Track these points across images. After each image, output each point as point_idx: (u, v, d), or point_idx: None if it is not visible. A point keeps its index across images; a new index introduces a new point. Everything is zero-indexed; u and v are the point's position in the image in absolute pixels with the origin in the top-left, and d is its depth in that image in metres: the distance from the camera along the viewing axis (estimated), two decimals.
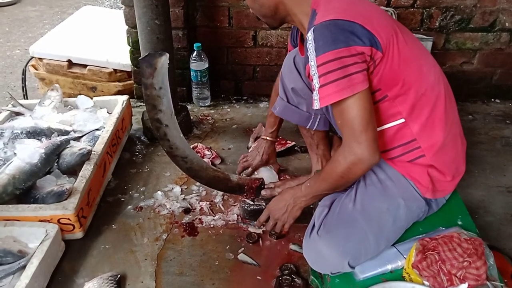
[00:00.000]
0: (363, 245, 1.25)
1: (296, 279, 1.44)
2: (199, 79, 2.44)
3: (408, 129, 1.24)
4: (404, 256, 1.24)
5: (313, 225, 1.32)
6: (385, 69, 1.15)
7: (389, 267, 1.25)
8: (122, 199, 1.85)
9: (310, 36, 1.11)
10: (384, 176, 1.30)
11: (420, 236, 1.28)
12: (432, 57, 1.32)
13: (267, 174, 1.83)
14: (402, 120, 1.23)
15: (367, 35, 1.09)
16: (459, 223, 1.35)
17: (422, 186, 1.27)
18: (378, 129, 1.26)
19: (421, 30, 2.38)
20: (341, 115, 1.15)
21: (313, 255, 1.31)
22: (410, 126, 1.23)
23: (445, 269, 1.13)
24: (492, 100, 2.60)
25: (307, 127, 1.59)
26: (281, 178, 1.91)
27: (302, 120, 1.60)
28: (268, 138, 1.82)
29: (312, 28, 1.11)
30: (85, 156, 1.73)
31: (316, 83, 1.12)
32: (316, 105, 1.14)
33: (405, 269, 1.21)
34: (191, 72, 2.42)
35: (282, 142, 2.16)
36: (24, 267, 1.38)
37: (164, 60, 1.42)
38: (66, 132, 1.92)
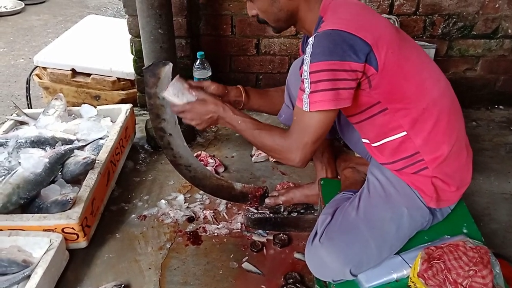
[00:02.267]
0: (365, 253, 1.24)
1: None
2: None
3: (410, 142, 1.24)
4: (410, 264, 1.23)
5: (316, 233, 1.32)
6: (383, 84, 1.16)
7: (395, 276, 1.24)
8: (126, 207, 1.85)
9: (311, 41, 1.13)
10: (388, 184, 1.30)
11: (426, 244, 1.28)
12: (438, 69, 1.31)
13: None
14: (404, 133, 1.24)
15: (365, 50, 1.10)
16: (465, 231, 1.35)
17: (426, 195, 1.27)
18: (382, 141, 1.28)
19: (424, 37, 2.39)
20: (301, 118, 1.19)
21: (315, 262, 1.31)
22: (413, 139, 1.23)
23: (451, 278, 1.12)
24: (496, 106, 2.60)
25: None
26: (285, 186, 1.91)
27: None
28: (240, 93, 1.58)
29: (315, 34, 1.14)
30: (89, 165, 1.73)
31: (307, 87, 1.14)
32: (306, 108, 1.15)
33: (410, 278, 1.21)
34: (194, 80, 2.42)
35: None
36: (28, 276, 1.38)
37: (167, 70, 1.43)
38: (70, 141, 1.92)
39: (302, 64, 1.16)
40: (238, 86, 1.58)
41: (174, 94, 1.39)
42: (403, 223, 1.27)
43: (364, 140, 1.38)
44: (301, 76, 1.16)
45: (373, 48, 1.11)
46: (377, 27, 1.15)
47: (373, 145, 1.32)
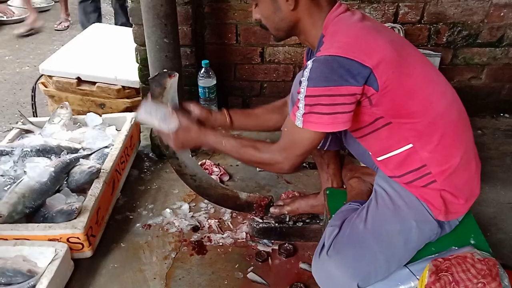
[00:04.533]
0: (373, 267, 1.24)
1: None
2: (207, 96, 2.45)
3: (417, 154, 1.22)
4: (417, 277, 1.22)
5: (323, 245, 1.31)
6: (384, 102, 1.16)
7: None
8: (131, 216, 1.85)
9: (309, 65, 1.13)
10: (397, 197, 1.29)
11: (433, 256, 1.27)
12: (444, 80, 1.29)
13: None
14: (410, 146, 1.22)
15: (363, 73, 1.10)
16: (472, 242, 1.33)
17: (435, 208, 1.25)
18: (387, 155, 1.27)
19: (429, 46, 2.39)
20: (293, 132, 1.20)
21: (322, 275, 1.30)
22: (419, 152, 1.22)
23: None
24: (501, 114, 2.59)
25: (318, 148, 1.58)
26: (290, 195, 1.90)
27: None
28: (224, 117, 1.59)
29: (313, 59, 1.14)
30: (94, 175, 1.74)
31: (301, 107, 1.14)
32: (299, 124, 1.16)
33: None
34: (199, 89, 2.43)
35: None
36: (33, 287, 1.38)
37: (173, 80, 1.43)
38: (76, 150, 1.93)
39: (299, 83, 1.16)
40: (223, 109, 1.60)
41: (147, 112, 1.41)
42: (412, 236, 1.26)
43: (370, 153, 1.37)
44: (298, 93, 1.16)
45: (373, 70, 1.10)
46: (377, 49, 1.13)
47: (378, 159, 1.31)
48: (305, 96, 1.12)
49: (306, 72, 1.13)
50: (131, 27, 2.32)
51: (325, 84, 1.10)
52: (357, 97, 1.12)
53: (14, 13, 4.91)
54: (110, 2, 4.40)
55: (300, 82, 1.14)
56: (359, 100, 1.15)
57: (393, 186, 1.31)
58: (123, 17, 4.04)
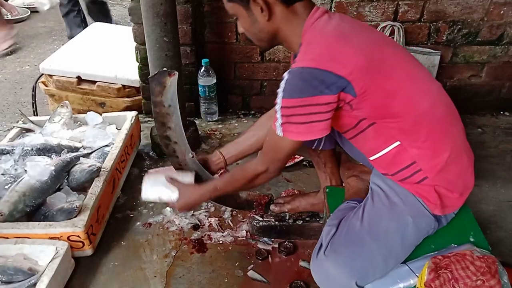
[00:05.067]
0: (370, 265, 1.24)
1: None
2: (207, 94, 2.45)
3: (405, 152, 1.23)
4: (417, 274, 1.22)
5: (321, 245, 1.32)
6: (365, 105, 1.16)
7: (401, 285, 1.23)
8: (131, 215, 1.86)
9: (285, 76, 1.14)
10: (392, 193, 1.30)
11: (432, 253, 1.27)
12: (428, 77, 1.29)
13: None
14: (398, 143, 1.23)
15: (338, 83, 1.10)
16: (471, 240, 1.34)
17: (431, 203, 1.26)
18: (377, 155, 1.28)
19: (428, 44, 2.39)
20: (275, 141, 1.22)
21: (321, 275, 1.31)
22: (408, 149, 1.22)
23: None
24: (501, 113, 2.59)
25: (313, 148, 1.59)
26: (290, 193, 1.91)
27: (309, 141, 1.60)
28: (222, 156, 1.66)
29: (288, 70, 1.15)
30: (95, 173, 1.74)
31: (279, 117, 1.16)
32: (279, 133, 1.18)
33: (417, 287, 1.20)
34: (199, 88, 2.44)
35: None
36: (34, 285, 1.39)
37: (173, 79, 1.43)
38: (76, 149, 1.93)
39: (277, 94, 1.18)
40: (216, 151, 1.68)
41: (147, 189, 1.52)
42: (408, 233, 1.26)
43: (362, 153, 1.37)
44: (275, 104, 1.17)
45: (347, 78, 1.10)
46: (351, 56, 1.12)
47: (370, 158, 1.32)
48: (281, 107, 1.14)
49: (282, 84, 1.14)
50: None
51: (299, 95, 1.11)
52: (333, 106, 1.13)
53: (19, 12, 4.92)
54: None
55: (277, 93, 1.16)
56: (338, 106, 1.16)
57: (388, 183, 1.31)
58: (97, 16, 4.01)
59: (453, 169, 1.26)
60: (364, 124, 1.23)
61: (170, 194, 1.48)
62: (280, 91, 1.15)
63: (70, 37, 4.00)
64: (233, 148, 1.66)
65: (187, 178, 1.53)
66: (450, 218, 1.35)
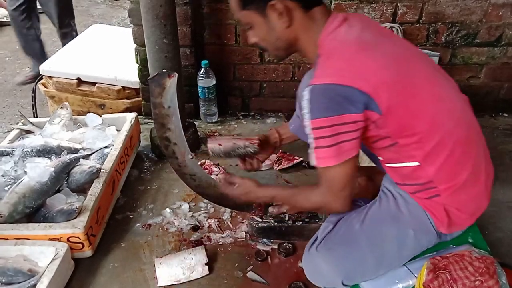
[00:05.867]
0: (360, 267, 1.25)
1: None
2: (206, 96, 2.46)
3: (423, 171, 1.19)
4: (415, 275, 1.23)
5: (315, 239, 1.33)
6: (390, 124, 1.12)
7: (400, 286, 1.24)
8: (131, 216, 1.86)
9: (306, 95, 1.09)
10: (403, 203, 1.27)
11: (431, 254, 1.27)
12: (454, 94, 1.23)
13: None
14: (417, 164, 1.18)
15: (363, 100, 1.06)
16: (470, 240, 1.34)
17: (438, 220, 1.23)
18: (394, 165, 1.24)
19: (427, 46, 2.40)
20: (323, 171, 1.18)
21: (310, 268, 1.35)
22: (426, 169, 1.18)
23: None
24: (500, 114, 2.60)
25: None
26: None
27: None
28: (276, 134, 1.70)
29: (309, 88, 1.09)
30: (95, 174, 1.74)
31: (312, 142, 1.13)
32: (313, 163, 1.15)
33: None
34: (199, 89, 2.44)
35: (289, 158, 2.17)
36: (34, 286, 1.39)
37: (172, 80, 1.44)
38: (76, 150, 1.93)
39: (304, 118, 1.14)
40: (273, 129, 1.70)
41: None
42: (406, 244, 1.25)
43: (379, 158, 1.33)
44: (304, 127, 1.14)
45: (371, 96, 1.05)
46: (376, 71, 1.07)
47: (387, 165, 1.28)
48: (311, 129, 1.10)
49: (305, 104, 1.10)
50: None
51: (325, 115, 1.06)
52: (360, 124, 1.09)
53: None
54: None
55: (303, 114, 1.12)
56: (366, 126, 1.12)
57: (399, 192, 1.28)
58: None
59: (468, 191, 1.22)
60: (387, 142, 1.18)
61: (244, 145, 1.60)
62: (306, 112, 1.10)
63: (27, 53, 3.80)
64: (287, 132, 1.68)
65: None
66: (456, 235, 1.33)
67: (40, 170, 1.69)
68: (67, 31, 3.77)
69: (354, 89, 1.05)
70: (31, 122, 2.17)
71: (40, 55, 3.65)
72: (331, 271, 1.24)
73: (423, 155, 1.17)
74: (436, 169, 1.18)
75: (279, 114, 2.64)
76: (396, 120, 1.11)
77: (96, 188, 1.70)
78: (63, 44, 3.55)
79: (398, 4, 2.29)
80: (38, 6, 3.78)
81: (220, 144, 1.62)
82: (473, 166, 1.21)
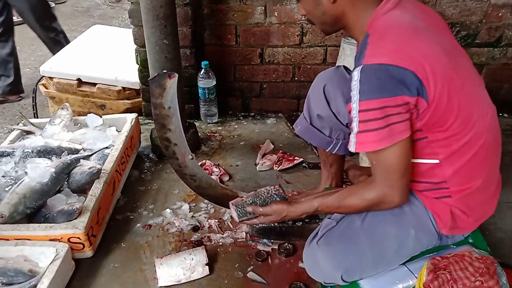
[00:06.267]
0: (359, 263, 1.25)
1: None
2: (206, 96, 2.46)
3: (440, 170, 1.18)
4: (415, 275, 1.23)
5: (316, 234, 1.33)
6: (429, 116, 1.09)
7: (400, 286, 1.24)
8: (131, 217, 1.86)
9: (356, 75, 1.05)
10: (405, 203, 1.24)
11: (431, 254, 1.27)
12: (487, 98, 1.22)
13: None
14: (437, 161, 1.17)
15: (416, 84, 1.02)
16: (470, 241, 1.34)
17: (441, 221, 1.23)
18: (413, 160, 1.19)
19: None
20: (378, 159, 1.12)
21: (310, 262, 1.34)
22: (444, 169, 1.17)
23: None
24: (500, 114, 2.56)
25: (327, 150, 1.58)
26: (289, 194, 1.91)
27: (323, 143, 1.57)
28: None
29: (360, 68, 1.05)
30: (95, 175, 1.75)
31: (355, 126, 1.08)
32: (352, 149, 1.11)
33: None
34: (199, 90, 2.45)
35: (290, 158, 2.17)
36: (34, 286, 1.39)
37: (173, 81, 1.44)
38: (76, 151, 1.94)
39: (349, 100, 1.09)
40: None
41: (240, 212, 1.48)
42: (407, 244, 1.25)
43: None
44: (350, 113, 1.10)
45: (423, 82, 1.02)
46: (429, 57, 1.04)
47: None
48: (358, 112, 1.05)
49: (355, 85, 1.05)
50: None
51: (378, 96, 1.02)
52: (411, 107, 1.05)
53: None
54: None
55: (350, 95, 1.07)
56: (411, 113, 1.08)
57: None
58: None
59: (479, 196, 1.22)
60: (416, 136, 1.15)
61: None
62: (354, 93, 1.05)
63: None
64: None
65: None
66: (458, 240, 1.32)
67: (40, 171, 1.69)
68: (52, 36, 3.58)
69: (410, 71, 1.02)
70: (31, 123, 2.17)
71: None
72: (330, 265, 1.24)
73: (447, 154, 1.15)
74: (455, 170, 1.17)
75: (279, 114, 2.64)
76: (435, 113, 1.08)
77: (96, 188, 1.71)
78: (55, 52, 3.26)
79: None
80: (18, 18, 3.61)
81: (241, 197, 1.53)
82: (488, 173, 1.21)
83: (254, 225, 1.70)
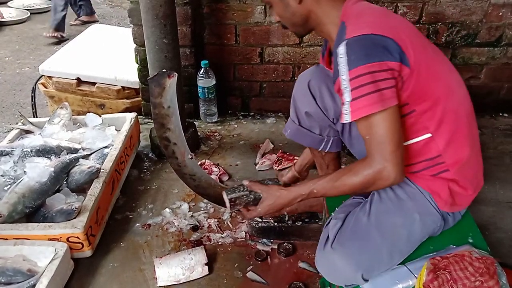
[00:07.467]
0: (376, 259, 1.25)
1: None
2: (206, 96, 2.46)
3: (434, 144, 1.23)
4: (415, 275, 1.22)
5: (327, 238, 1.32)
6: (413, 85, 1.15)
7: (400, 286, 1.23)
8: (130, 216, 1.86)
9: (342, 49, 1.11)
10: (400, 190, 1.29)
11: (431, 254, 1.27)
12: (458, 74, 1.30)
13: None
14: (429, 135, 1.22)
15: (397, 50, 1.10)
16: (470, 241, 1.34)
17: (441, 199, 1.26)
18: (404, 143, 1.22)
19: None
20: (371, 130, 1.14)
21: (327, 266, 1.31)
22: (437, 141, 1.22)
23: None
24: (500, 114, 2.59)
25: (319, 150, 1.58)
26: None
27: (315, 143, 1.59)
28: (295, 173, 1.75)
29: (345, 42, 1.12)
30: (94, 174, 1.74)
31: (347, 96, 1.11)
32: (347, 119, 1.13)
33: None
34: (199, 89, 2.44)
35: (289, 158, 2.16)
36: (33, 286, 1.39)
37: (172, 80, 1.44)
38: (75, 150, 1.93)
39: (336, 77, 1.13)
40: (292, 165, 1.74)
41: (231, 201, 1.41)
42: (415, 229, 1.27)
43: None
44: (338, 91, 1.14)
45: (402, 48, 1.11)
46: (404, 30, 1.16)
47: None
48: (349, 81, 1.10)
49: (342, 58, 1.11)
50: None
51: (365, 62, 1.08)
52: (395, 74, 1.11)
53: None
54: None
55: (337, 71, 1.12)
56: (396, 82, 1.13)
57: None
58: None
59: (472, 166, 1.28)
60: (404, 111, 1.19)
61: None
62: (342, 65, 1.11)
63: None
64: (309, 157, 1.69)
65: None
66: (457, 219, 1.35)
67: (39, 170, 1.69)
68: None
69: (390, 39, 1.10)
70: (30, 122, 2.17)
71: None
72: (349, 267, 1.24)
73: (436, 124, 1.20)
74: (446, 141, 1.22)
75: (279, 114, 2.64)
76: (419, 80, 1.15)
77: (95, 188, 1.70)
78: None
79: (398, 4, 2.29)
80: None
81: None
82: (474, 143, 1.28)
83: (254, 225, 1.70)
